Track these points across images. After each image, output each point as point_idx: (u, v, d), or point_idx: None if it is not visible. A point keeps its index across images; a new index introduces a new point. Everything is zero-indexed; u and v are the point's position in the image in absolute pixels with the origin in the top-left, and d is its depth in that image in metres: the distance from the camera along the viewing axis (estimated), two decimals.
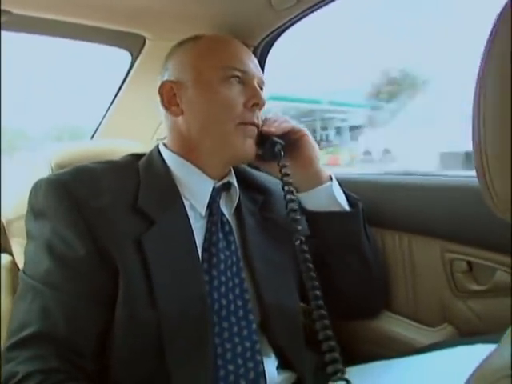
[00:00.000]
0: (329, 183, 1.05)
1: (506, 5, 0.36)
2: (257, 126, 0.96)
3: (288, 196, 0.92)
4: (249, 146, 0.95)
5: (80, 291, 0.80)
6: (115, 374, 0.81)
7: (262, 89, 0.99)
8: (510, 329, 0.42)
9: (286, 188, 0.93)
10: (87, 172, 0.90)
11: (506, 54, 0.35)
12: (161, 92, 0.97)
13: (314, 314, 0.80)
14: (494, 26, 0.37)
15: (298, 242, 0.87)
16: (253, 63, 0.98)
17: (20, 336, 0.76)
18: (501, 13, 0.36)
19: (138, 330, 0.80)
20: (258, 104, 0.95)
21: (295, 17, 1.25)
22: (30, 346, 0.75)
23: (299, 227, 0.88)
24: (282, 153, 0.97)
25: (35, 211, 0.86)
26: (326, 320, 0.79)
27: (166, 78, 0.98)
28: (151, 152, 1.00)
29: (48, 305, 0.78)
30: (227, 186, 1.00)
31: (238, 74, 0.94)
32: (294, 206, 0.91)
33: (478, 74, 0.37)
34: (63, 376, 0.75)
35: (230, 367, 0.85)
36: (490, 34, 0.37)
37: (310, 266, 0.85)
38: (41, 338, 0.76)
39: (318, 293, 0.82)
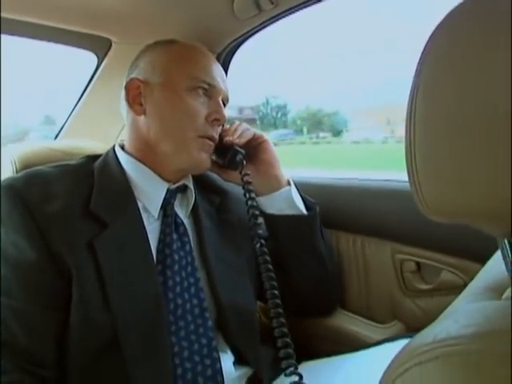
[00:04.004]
0: (288, 187, 1.08)
1: (437, 26, 0.39)
2: (214, 140, 0.97)
3: (249, 202, 0.95)
4: (203, 160, 0.96)
5: (34, 297, 0.80)
6: (73, 377, 0.82)
7: (225, 105, 1.00)
8: (441, 315, 0.47)
9: (248, 195, 0.96)
10: (39, 176, 0.89)
11: (435, 69, 0.38)
12: (127, 88, 0.97)
13: (271, 312, 0.83)
14: (426, 46, 0.39)
15: (259, 244, 0.90)
16: (221, 79, 0.99)
17: None
18: (432, 34, 0.39)
19: (94, 333, 0.81)
20: (219, 120, 0.96)
21: (257, 26, 1.28)
22: None
23: (260, 231, 0.91)
24: (244, 162, 1.00)
25: None
26: (282, 318, 0.83)
27: (134, 75, 0.98)
28: (107, 153, 1.00)
29: (3, 314, 0.77)
30: (182, 189, 1.00)
31: (205, 86, 0.95)
32: (255, 211, 0.94)
33: (414, 75, 0.40)
34: None
35: (188, 365, 0.86)
36: (422, 53, 0.39)
37: (270, 267, 0.88)
38: (2, 349, 0.76)
39: (275, 292, 0.85)
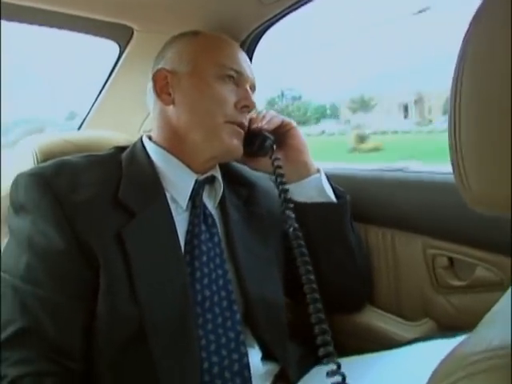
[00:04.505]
0: (318, 175, 1.07)
1: (480, 6, 0.37)
2: (244, 127, 0.97)
3: (281, 187, 0.94)
4: (235, 145, 0.96)
5: (61, 286, 0.79)
6: (100, 369, 0.81)
7: (253, 92, 1.00)
8: (484, 318, 0.43)
9: (279, 179, 0.95)
10: (68, 166, 0.89)
11: (480, 52, 0.36)
12: (154, 78, 0.97)
13: (307, 297, 0.81)
14: (469, 27, 0.37)
15: (292, 228, 0.88)
16: (248, 67, 0.99)
17: (5, 335, 0.75)
18: (475, 15, 0.37)
19: (120, 324, 0.80)
20: (248, 106, 0.96)
21: (282, 11, 1.25)
22: (17, 347, 0.75)
23: (293, 215, 0.90)
24: (274, 146, 0.99)
25: (16, 206, 0.85)
26: (318, 304, 0.81)
27: (161, 65, 0.98)
28: (135, 144, 1.00)
29: (29, 303, 0.77)
30: (211, 180, 1.00)
31: (233, 74, 0.95)
32: (287, 195, 0.92)
33: (454, 72, 0.38)
34: (52, 379, 0.75)
35: (215, 359, 0.85)
36: (465, 35, 0.38)
37: (304, 251, 0.86)
38: (27, 338, 0.75)
39: (311, 277, 0.83)
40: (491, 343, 0.33)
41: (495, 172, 0.35)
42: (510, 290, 0.50)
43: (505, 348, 0.31)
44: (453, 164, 0.39)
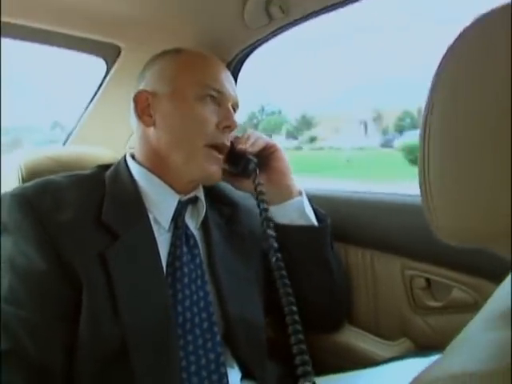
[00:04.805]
0: (300, 197, 1.07)
1: (453, 43, 0.38)
2: (225, 148, 0.97)
3: (263, 213, 0.93)
4: (213, 171, 0.95)
5: (43, 307, 0.79)
6: None
7: (235, 111, 1.00)
8: (453, 341, 0.45)
9: (262, 206, 0.94)
10: (52, 186, 0.89)
11: (449, 85, 0.37)
12: (135, 100, 0.96)
13: (289, 328, 0.81)
14: (441, 61, 0.38)
15: (275, 258, 0.87)
16: (230, 84, 0.99)
17: None
18: (448, 50, 0.38)
19: (102, 345, 0.79)
20: (229, 126, 0.95)
21: (267, 35, 1.27)
22: (1, 368, 0.73)
23: (276, 245, 0.89)
24: (257, 170, 0.99)
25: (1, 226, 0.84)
26: (300, 335, 0.81)
27: (142, 86, 0.97)
28: (118, 163, 1.00)
29: (11, 324, 0.76)
30: (194, 200, 1.00)
31: (214, 93, 0.94)
32: (270, 223, 0.92)
33: (425, 107, 0.39)
34: None
35: (195, 380, 0.85)
36: (437, 68, 0.38)
37: (287, 282, 0.86)
38: (9, 359, 0.74)
39: (293, 308, 0.83)
40: (452, 370, 0.34)
41: (464, 206, 0.36)
42: (480, 312, 0.51)
43: (465, 375, 0.33)
44: (421, 193, 0.40)
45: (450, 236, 0.39)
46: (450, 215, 0.38)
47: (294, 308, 0.83)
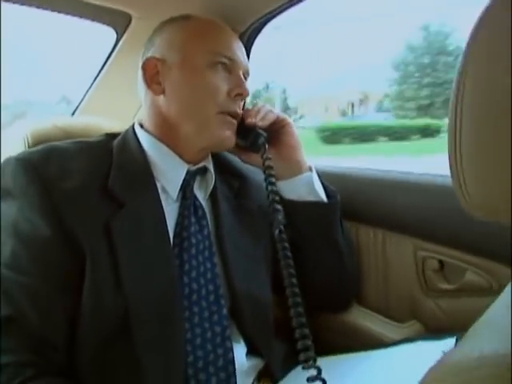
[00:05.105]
0: (309, 173, 1.05)
1: (483, 11, 0.36)
2: (237, 116, 0.95)
3: (270, 187, 0.92)
4: (227, 137, 0.94)
5: (46, 274, 0.78)
6: (83, 361, 0.80)
7: (246, 79, 0.98)
8: (474, 324, 0.43)
9: (269, 179, 0.93)
10: (58, 152, 0.88)
11: (484, 55, 0.36)
12: (144, 68, 0.94)
13: (289, 301, 0.80)
14: (474, 30, 0.37)
15: (278, 231, 0.86)
16: (241, 52, 0.97)
17: None
18: (478, 19, 0.37)
19: (106, 316, 0.79)
20: (241, 94, 0.94)
21: (284, 4, 1.23)
22: (1, 335, 0.73)
23: (280, 217, 0.88)
24: (266, 145, 0.97)
25: (2, 191, 0.84)
26: (300, 308, 0.79)
27: (150, 53, 0.95)
28: (126, 132, 0.98)
29: (13, 291, 0.75)
30: (202, 171, 0.98)
31: (226, 61, 0.92)
32: (275, 196, 0.90)
33: (457, 74, 0.37)
34: (35, 370, 0.73)
35: (200, 353, 0.84)
36: (469, 39, 0.37)
37: (288, 254, 0.84)
38: (9, 326, 0.74)
39: (294, 281, 0.82)
40: (483, 351, 0.33)
41: (494, 180, 0.35)
42: (500, 297, 0.49)
43: (497, 357, 0.31)
44: (452, 171, 0.39)
45: (480, 210, 0.38)
46: (480, 188, 0.37)
47: (294, 280, 0.82)
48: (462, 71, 0.37)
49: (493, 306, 0.48)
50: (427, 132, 17.54)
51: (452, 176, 0.39)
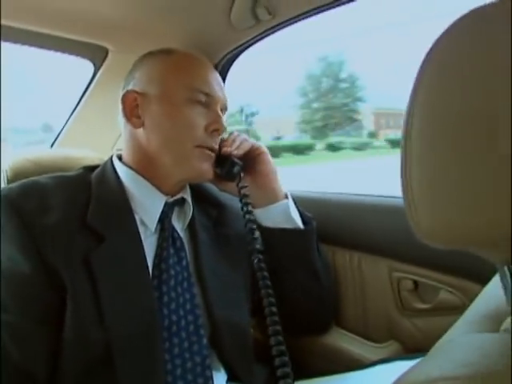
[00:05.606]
0: (285, 201, 1.06)
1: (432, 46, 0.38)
2: (214, 151, 0.96)
3: (247, 216, 0.93)
4: (205, 170, 0.94)
5: (27, 311, 0.78)
6: None
7: (223, 113, 0.99)
8: (436, 344, 0.45)
9: (245, 208, 0.94)
10: (37, 187, 0.88)
11: (435, 79, 0.37)
12: (123, 101, 0.95)
13: (269, 329, 0.80)
14: (421, 66, 0.38)
15: (257, 260, 0.87)
16: (219, 87, 0.98)
17: None
18: (427, 54, 0.38)
19: (87, 349, 0.78)
20: (218, 130, 0.95)
21: (255, 36, 1.27)
22: None
23: (258, 246, 0.89)
24: (242, 174, 0.99)
25: None
26: (280, 336, 0.80)
27: (131, 86, 0.96)
28: (105, 164, 0.99)
29: None
30: (180, 202, 0.99)
31: (203, 97, 0.94)
32: (253, 225, 0.92)
33: (409, 99, 0.39)
34: None
35: (180, 383, 0.84)
36: (418, 73, 0.38)
37: (268, 283, 0.85)
38: None
39: (274, 309, 0.82)
40: (430, 374, 0.34)
41: (445, 208, 0.36)
42: (463, 317, 0.51)
43: (441, 380, 0.33)
44: (404, 199, 0.40)
45: (433, 238, 0.39)
46: (432, 216, 0.38)
47: (274, 309, 0.83)
48: (412, 96, 0.38)
49: (456, 324, 0.49)
50: (297, 149, 21.04)
51: (404, 202, 0.40)
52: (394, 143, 21.41)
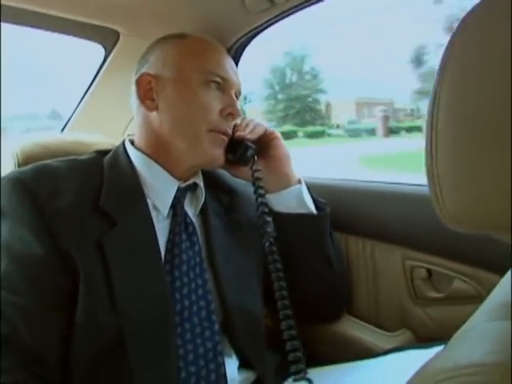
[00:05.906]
0: (298, 186, 1.06)
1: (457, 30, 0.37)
2: (228, 135, 0.96)
3: (259, 199, 0.93)
4: (217, 155, 0.94)
5: (39, 294, 0.78)
6: (76, 379, 0.80)
7: (238, 98, 0.99)
8: (457, 332, 0.44)
9: (258, 191, 0.94)
10: (49, 171, 0.88)
11: (462, 61, 0.36)
12: (138, 83, 0.95)
13: (280, 313, 0.81)
14: (445, 52, 0.38)
15: (268, 243, 0.87)
16: (234, 72, 0.98)
17: None
18: (451, 38, 0.37)
19: (99, 333, 0.79)
20: (233, 114, 0.95)
21: (269, 20, 1.25)
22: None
23: (269, 229, 0.89)
24: (255, 157, 0.98)
25: None
26: (291, 320, 0.80)
27: (145, 70, 0.95)
28: (117, 149, 0.98)
29: (7, 310, 0.75)
30: (193, 187, 0.99)
31: (219, 80, 0.94)
32: (265, 208, 0.92)
33: (433, 87, 0.38)
34: None
35: (192, 369, 0.84)
36: (442, 59, 0.38)
37: (279, 266, 0.86)
38: (4, 346, 0.73)
39: (284, 293, 0.83)
40: (458, 362, 0.33)
41: (471, 192, 0.36)
42: (482, 305, 0.50)
43: (471, 367, 0.32)
44: (428, 181, 0.40)
45: (458, 222, 0.39)
46: (457, 200, 0.37)
47: (285, 293, 0.83)
48: (437, 84, 0.38)
49: (476, 312, 0.49)
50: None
51: (429, 188, 0.40)
52: (351, 131, 22.97)
